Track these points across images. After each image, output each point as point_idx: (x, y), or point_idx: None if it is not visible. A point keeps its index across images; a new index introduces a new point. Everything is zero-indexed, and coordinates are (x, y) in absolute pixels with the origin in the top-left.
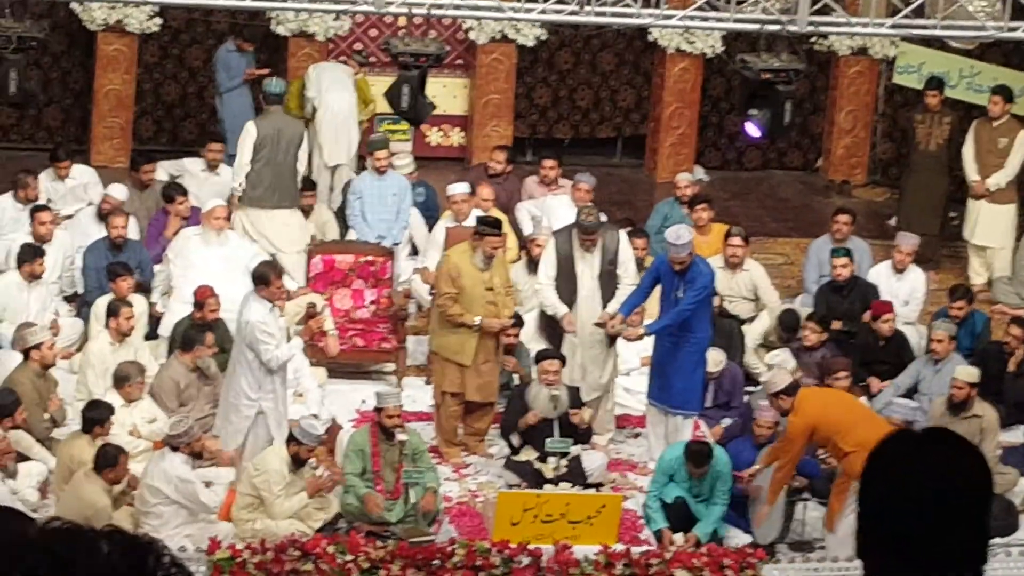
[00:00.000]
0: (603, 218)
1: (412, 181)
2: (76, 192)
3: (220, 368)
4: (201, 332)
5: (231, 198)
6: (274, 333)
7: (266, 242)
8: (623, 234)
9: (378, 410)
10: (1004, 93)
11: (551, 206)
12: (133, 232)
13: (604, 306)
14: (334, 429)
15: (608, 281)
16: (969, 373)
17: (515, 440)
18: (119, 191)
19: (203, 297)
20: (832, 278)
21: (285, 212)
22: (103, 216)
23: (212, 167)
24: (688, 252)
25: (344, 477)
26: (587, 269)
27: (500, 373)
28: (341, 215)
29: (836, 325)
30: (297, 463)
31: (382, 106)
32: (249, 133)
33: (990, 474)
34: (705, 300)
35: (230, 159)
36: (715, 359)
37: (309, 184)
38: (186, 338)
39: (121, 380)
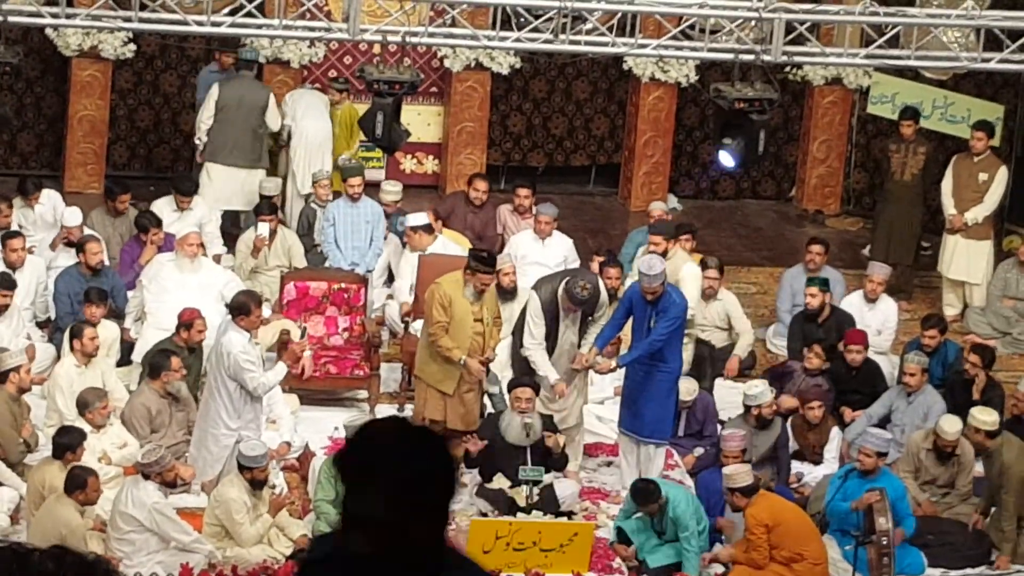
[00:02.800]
0: (600, 286)
1: (394, 211)
2: (46, 217)
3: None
4: (166, 357)
5: (195, 152)
6: (255, 361)
7: (222, 198)
8: (602, 283)
9: None
10: (987, 129)
11: (516, 243)
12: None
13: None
14: (307, 456)
15: (586, 326)
16: (954, 426)
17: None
18: (73, 218)
19: (191, 318)
20: (804, 306)
21: (243, 171)
22: (70, 244)
23: (181, 208)
24: (661, 282)
25: (314, 503)
26: (571, 325)
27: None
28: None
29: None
30: (256, 486)
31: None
32: (212, 95)
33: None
34: (677, 330)
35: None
36: (687, 388)
37: (271, 208)
38: (152, 365)
39: (83, 407)
